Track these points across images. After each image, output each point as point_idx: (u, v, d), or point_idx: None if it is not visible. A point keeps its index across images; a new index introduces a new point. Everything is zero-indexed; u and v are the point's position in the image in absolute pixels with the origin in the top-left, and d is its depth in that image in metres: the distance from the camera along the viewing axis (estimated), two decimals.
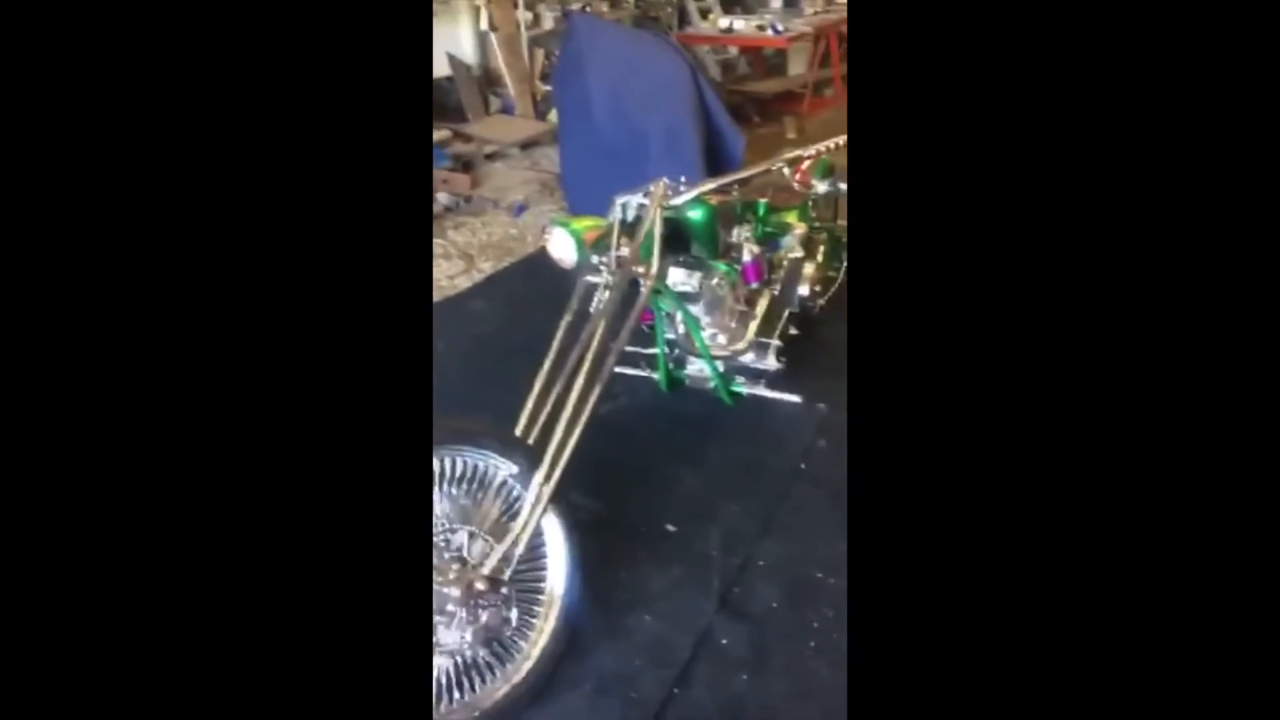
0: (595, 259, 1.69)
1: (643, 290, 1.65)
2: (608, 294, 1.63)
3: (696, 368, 2.15)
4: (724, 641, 1.57)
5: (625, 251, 1.65)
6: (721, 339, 2.12)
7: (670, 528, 1.85)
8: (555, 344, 1.64)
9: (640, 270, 1.65)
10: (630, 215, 1.74)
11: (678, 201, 1.75)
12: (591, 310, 1.64)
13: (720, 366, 2.10)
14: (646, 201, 1.71)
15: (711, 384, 2.10)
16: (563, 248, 1.66)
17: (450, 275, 3.21)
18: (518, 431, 1.53)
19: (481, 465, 1.45)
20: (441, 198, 3.86)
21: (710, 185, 1.80)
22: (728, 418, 2.20)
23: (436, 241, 3.49)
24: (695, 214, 1.87)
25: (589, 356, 1.54)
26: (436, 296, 3.04)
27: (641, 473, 2.02)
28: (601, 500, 1.90)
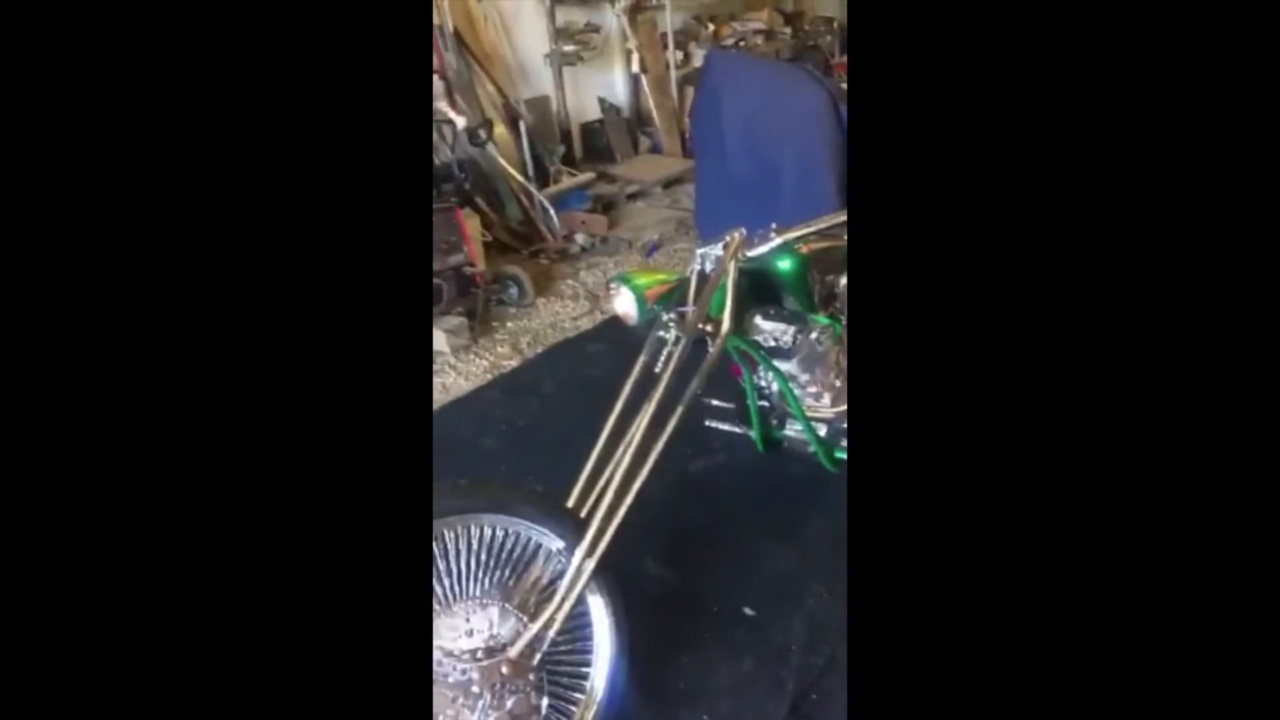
0: (664, 315, 1.57)
1: (711, 349, 1.50)
2: (676, 353, 1.50)
3: (798, 428, 1.94)
4: None
5: (694, 307, 1.52)
6: (825, 399, 1.90)
7: (748, 611, 1.66)
8: (618, 407, 1.53)
9: (708, 328, 1.51)
10: (709, 267, 1.61)
11: (758, 252, 1.59)
12: (656, 370, 1.52)
13: (822, 429, 1.88)
14: (723, 253, 1.57)
15: (811, 448, 1.89)
16: (625, 305, 1.56)
17: (574, 316, 3.24)
18: (570, 502, 1.44)
19: (524, 536, 1.38)
20: (579, 239, 3.93)
21: (797, 233, 1.62)
22: (830, 487, 1.97)
23: (566, 282, 3.55)
24: (783, 264, 1.69)
25: (646, 422, 1.42)
26: (556, 337, 3.07)
27: (725, 542, 1.85)
28: (676, 570, 1.77)
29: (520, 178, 3.92)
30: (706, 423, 2.11)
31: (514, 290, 3.37)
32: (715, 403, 2.12)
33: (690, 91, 5.17)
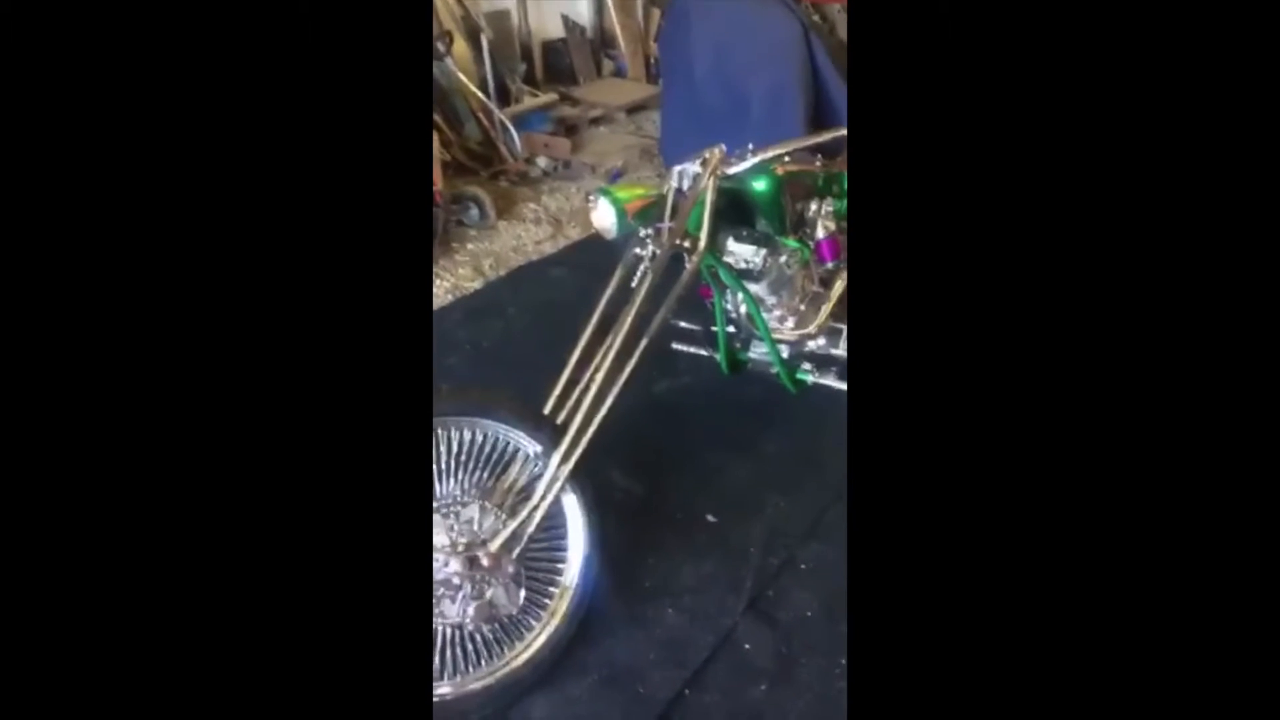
0: (642, 231, 1.59)
1: (688, 265, 1.54)
2: (652, 268, 1.53)
3: (761, 350, 2.01)
4: (747, 646, 1.47)
5: (671, 223, 1.54)
6: (790, 322, 1.96)
7: (710, 518, 1.76)
8: (594, 320, 1.56)
9: (685, 244, 1.54)
10: (686, 184, 1.62)
11: (736, 170, 1.61)
12: (633, 285, 1.55)
13: (785, 351, 1.96)
14: (701, 170, 1.59)
15: (774, 369, 1.96)
16: (604, 217, 1.57)
17: (537, 240, 3.21)
18: (547, 409, 1.48)
19: (503, 440, 1.42)
20: (540, 162, 3.86)
21: (775, 152, 1.64)
22: (790, 406, 2.06)
23: (528, 206, 3.50)
24: (759, 184, 1.72)
25: (623, 334, 1.46)
26: (519, 260, 3.05)
27: (689, 456, 1.93)
28: (642, 482, 1.84)
29: (480, 95, 3.80)
30: (673, 345, 2.17)
31: (474, 212, 3.31)
32: (683, 325, 2.17)
33: (656, 14, 5.03)
